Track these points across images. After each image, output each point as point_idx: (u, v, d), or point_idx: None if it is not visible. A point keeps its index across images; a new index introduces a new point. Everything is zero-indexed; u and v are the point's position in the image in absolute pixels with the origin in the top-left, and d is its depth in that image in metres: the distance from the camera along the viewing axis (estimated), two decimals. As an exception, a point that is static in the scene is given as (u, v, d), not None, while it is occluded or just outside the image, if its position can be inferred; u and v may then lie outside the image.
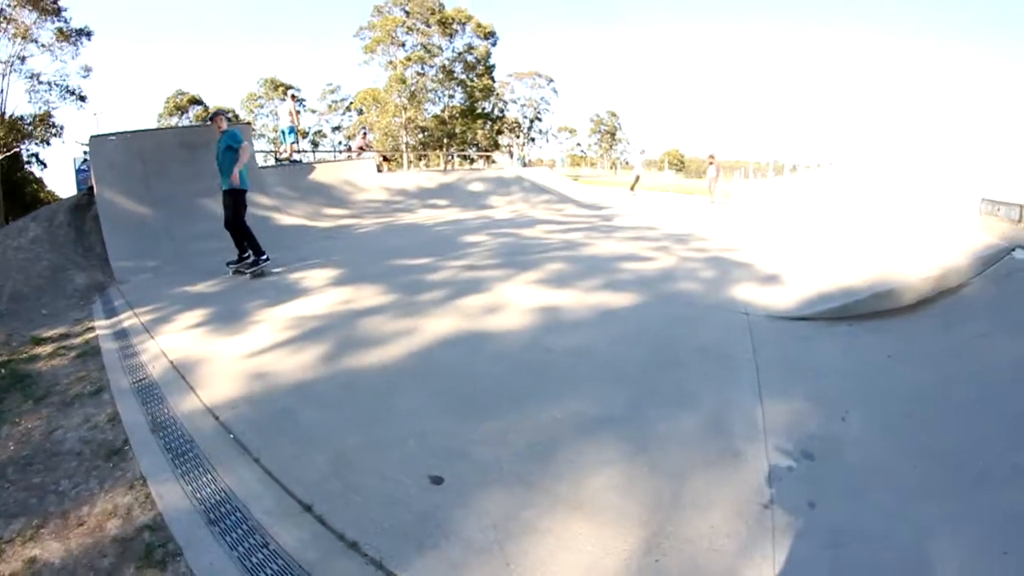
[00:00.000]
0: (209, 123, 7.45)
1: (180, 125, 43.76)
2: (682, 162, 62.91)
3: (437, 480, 2.24)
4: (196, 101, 52.69)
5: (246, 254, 6.64)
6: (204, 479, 2.35)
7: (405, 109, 47.76)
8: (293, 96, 16.26)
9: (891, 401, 3.15)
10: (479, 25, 52.27)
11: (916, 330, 4.38)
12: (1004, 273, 4.77)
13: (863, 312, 4.76)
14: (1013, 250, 5.01)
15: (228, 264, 6.69)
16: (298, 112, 16.20)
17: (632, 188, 19.73)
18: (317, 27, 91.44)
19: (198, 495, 2.25)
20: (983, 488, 2.29)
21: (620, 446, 2.56)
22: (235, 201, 6.59)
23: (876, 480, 2.37)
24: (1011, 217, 5.56)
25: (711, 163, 19.45)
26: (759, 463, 2.44)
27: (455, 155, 46.94)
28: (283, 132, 15.30)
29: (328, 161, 16.40)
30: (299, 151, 16.01)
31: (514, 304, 4.63)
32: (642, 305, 4.81)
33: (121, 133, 9.71)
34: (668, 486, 2.27)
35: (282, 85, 53.64)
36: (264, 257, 6.51)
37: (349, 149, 19.73)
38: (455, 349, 3.72)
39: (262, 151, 24.51)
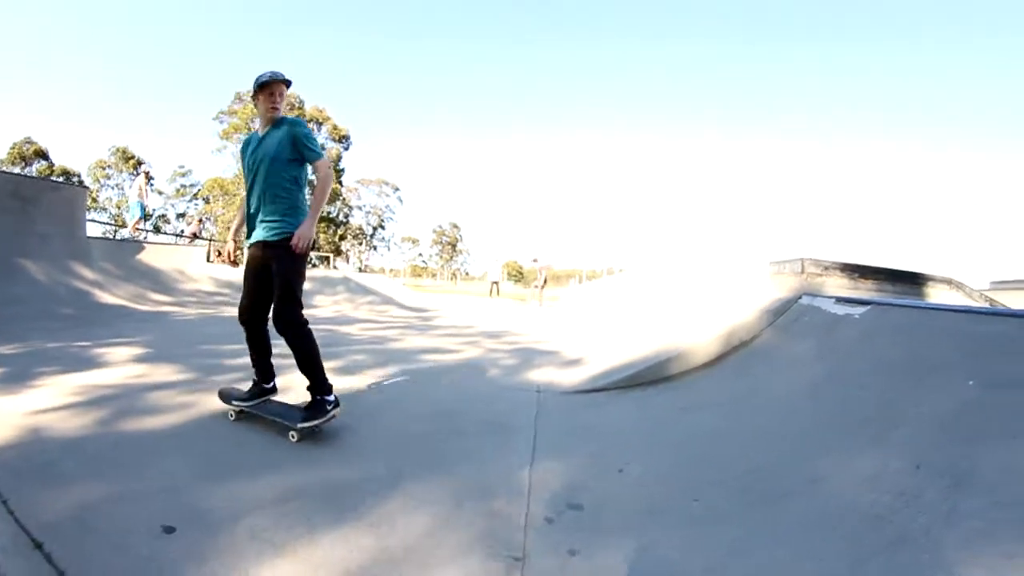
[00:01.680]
0: (253, 98, 3.73)
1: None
2: (521, 273, 65.95)
3: (169, 529, 2.34)
4: (42, 155, 49.15)
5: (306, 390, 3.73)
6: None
7: None
8: (146, 173, 16.02)
9: (678, 448, 3.36)
10: (335, 127, 53.05)
11: (709, 383, 4.73)
12: (794, 318, 5.29)
13: (656, 377, 5.02)
14: (800, 298, 5.61)
15: (245, 399, 3.84)
16: (148, 191, 15.79)
17: (493, 293, 20.37)
18: (176, 103, 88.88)
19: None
20: (774, 504, 2.47)
21: (371, 509, 2.58)
22: (293, 266, 3.60)
23: (653, 520, 2.47)
24: (795, 271, 6.41)
25: (536, 265, 20.28)
26: (517, 520, 2.48)
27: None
28: (133, 205, 14.96)
29: (159, 244, 15.93)
30: (141, 230, 15.58)
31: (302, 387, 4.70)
32: (434, 388, 5.02)
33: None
34: (408, 546, 2.28)
35: (133, 158, 51.23)
36: (332, 399, 3.63)
37: (182, 233, 19.40)
38: (226, 423, 3.85)
39: (96, 221, 23.22)
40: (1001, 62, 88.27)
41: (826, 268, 6.46)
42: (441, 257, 77.26)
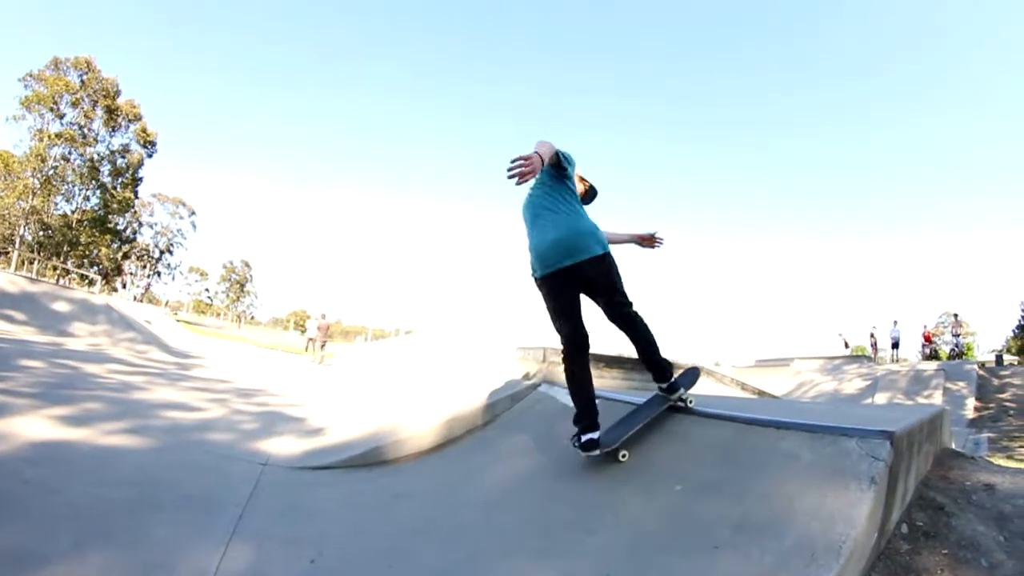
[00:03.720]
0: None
1: None
2: (303, 326, 64.37)
3: None
4: None
5: (665, 377, 4.11)
6: None
7: (34, 194, 41.63)
8: None
9: (376, 537, 3.30)
10: (144, 130, 49.52)
11: (434, 467, 4.78)
12: (529, 406, 5.56)
13: (387, 457, 4.99)
14: (539, 385, 5.89)
15: (605, 444, 3.71)
16: None
17: (314, 353, 19.83)
18: None
19: None
20: None
21: None
22: (615, 279, 3.89)
23: None
24: (537, 358, 6.71)
25: (323, 322, 20.41)
26: None
27: (71, 270, 41.65)
28: None
29: None
30: None
31: (16, 435, 4.44)
32: (154, 451, 4.71)
33: None
34: None
35: None
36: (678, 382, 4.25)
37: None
38: None
39: None
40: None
41: None
42: (228, 296, 73.64)
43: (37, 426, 4.92)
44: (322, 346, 20.33)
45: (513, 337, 9.95)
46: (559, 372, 5.12)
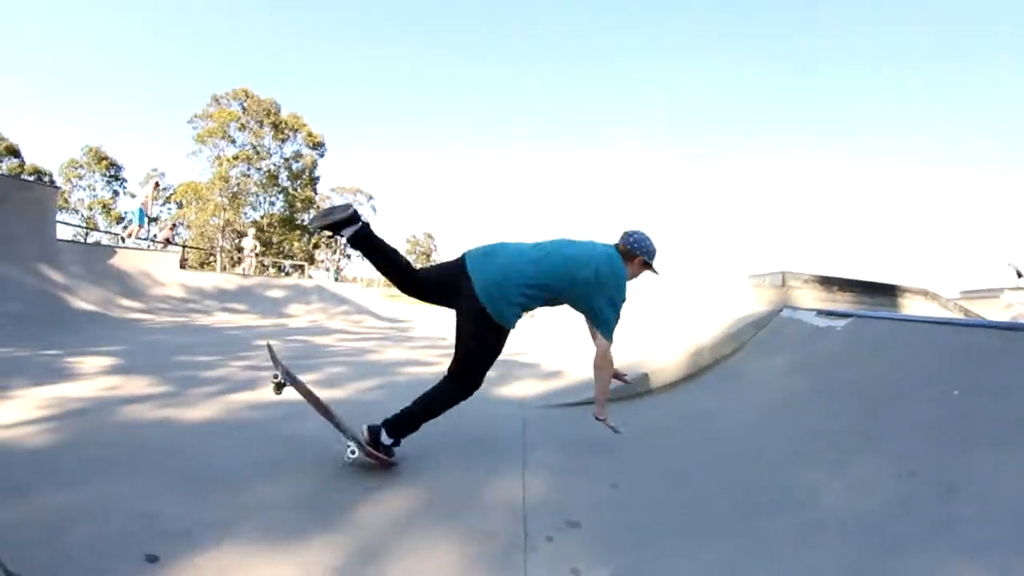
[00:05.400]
0: None
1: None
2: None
3: (152, 558, 2.14)
4: (14, 152, 47.91)
5: (390, 439, 3.17)
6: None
7: (224, 210, 46.55)
8: (156, 183, 16.04)
9: (666, 461, 3.34)
10: (310, 134, 52.90)
11: (691, 396, 4.74)
12: (775, 331, 5.32)
13: (634, 392, 4.97)
14: (780, 311, 5.65)
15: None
16: (152, 201, 15.87)
17: None
18: (151, 104, 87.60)
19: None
20: (767, 517, 2.43)
21: (349, 535, 2.39)
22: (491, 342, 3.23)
23: (651, 534, 2.41)
24: (775, 284, 6.47)
25: None
26: (515, 538, 2.37)
27: (269, 265, 45.65)
28: (136, 212, 14.92)
29: (131, 248, 15.70)
30: (146, 238, 15.62)
31: (281, 399, 4.36)
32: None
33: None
34: (408, 570, 2.13)
35: (106, 159, 50.54)
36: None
37: (154, 239, 19.15)
38: (206, 438, 3.73)
39: (66, 223, 22.98)
40: (971, 74, 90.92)
41: (805, 281, 6.53)
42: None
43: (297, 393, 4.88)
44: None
45: (740, 266, 9.32)
46: (798, 296, 5.44)
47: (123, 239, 15.46)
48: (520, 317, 3.19)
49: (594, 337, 3.38)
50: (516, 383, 5.80)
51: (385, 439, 3.14)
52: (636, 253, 3.40)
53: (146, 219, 15.66)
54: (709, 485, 2.89)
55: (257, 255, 23.39)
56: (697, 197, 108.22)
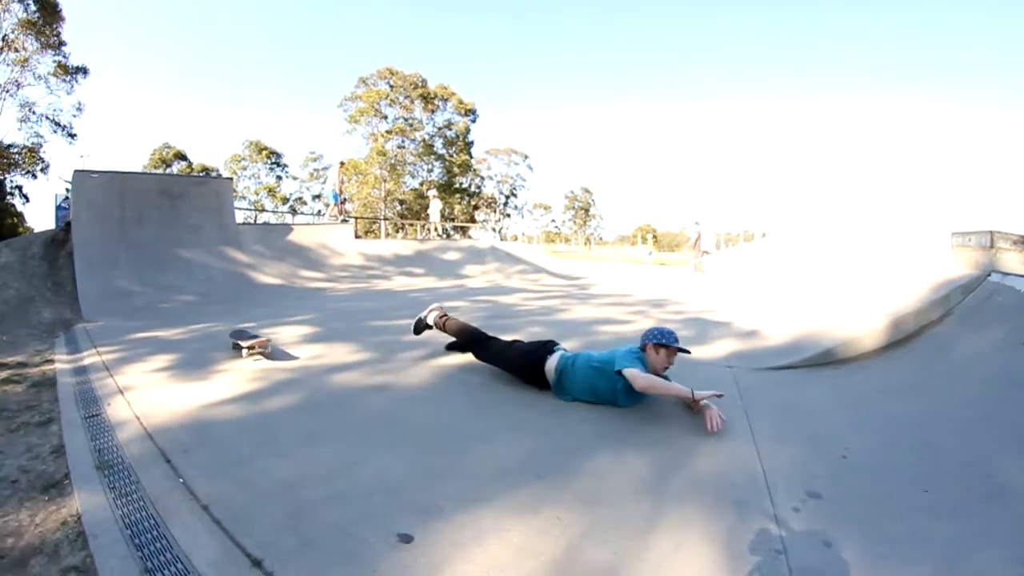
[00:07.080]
0: None
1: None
2: (655, 237, 64.11)
3: (406, 538, 2.01)
4: (181, 156, 54.12)
5: None
6: (146, 523, 2.13)
7: (385, 181, 48.41)
8: (341, 163, 16.95)
9: (888, 433, 3.14)
10: (460, 102, 53.80)
11: (902, 364, 4.41)
12: (983, 298, 4.94)
13: (844, 356, 4.75)
14: (989, 275, 5.23)
15: None
16: (340, 181, 17.07)
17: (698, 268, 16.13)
18: (302, 94, 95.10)
19: (136, 540, 2.03)
20: (998, 503, 2.31)
21: (616, 504, 2.34)
22: None
23: (889, 509, 2.31)
24: (982, 244, 5.78)
25: (697, 229, 18.09)
26: (764, 508, 2.31)
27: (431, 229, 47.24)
28: (328, 194, 17.16)
29: (304, 224, 16.60)
30: (344, 214, 17.22)
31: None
32: None
33: (104, 172, 10.13)
34: (670, 539, 2.09)
35: (266, 149, 55.49)
36: None
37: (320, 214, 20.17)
38: (430, 405, 3.55)
39: (239, 208, 24.97)
40: None
41: (1015, 242, 5.62)
42: (575, 223, 77.05)
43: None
44: (701, 253, 17.98)
45: (938, 224, 8.15)
46: (1007, 259, 5.23)
47: (320, 214, 16.81)
48: None
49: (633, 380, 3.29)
50: (716, 343, 5.34)
51: None
52: (645, 342, 3.61)
53: (337, 197, 16.49)
54: (934, 462, 2.73)
55: (444, 219, 23.51)
56: (889, 146, 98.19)
